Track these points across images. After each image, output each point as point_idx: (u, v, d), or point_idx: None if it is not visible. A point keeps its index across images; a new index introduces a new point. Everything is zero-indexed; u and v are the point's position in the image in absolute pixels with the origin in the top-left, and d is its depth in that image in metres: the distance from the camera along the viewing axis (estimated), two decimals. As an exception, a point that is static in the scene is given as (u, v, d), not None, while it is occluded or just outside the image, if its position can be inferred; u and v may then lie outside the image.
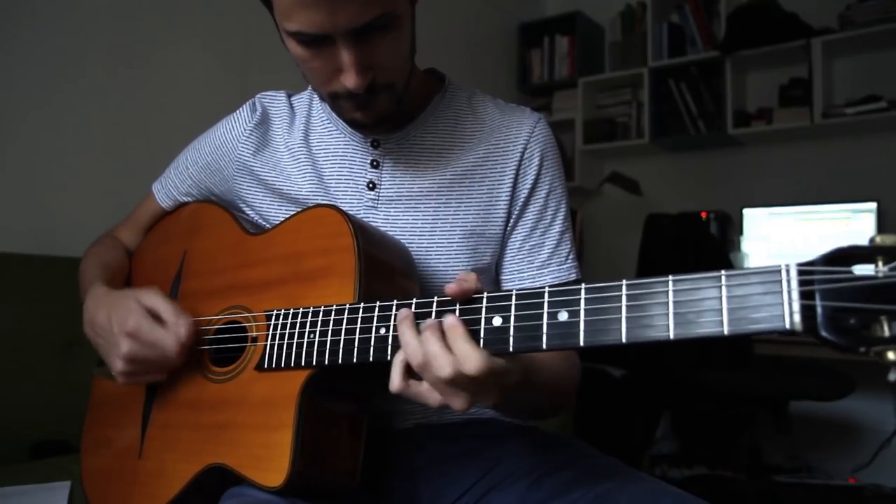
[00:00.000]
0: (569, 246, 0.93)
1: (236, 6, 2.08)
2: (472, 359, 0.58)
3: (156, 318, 0.81)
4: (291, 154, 0.93)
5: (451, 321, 0.60)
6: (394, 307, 0.67)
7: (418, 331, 0.62)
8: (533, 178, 0.91)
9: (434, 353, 0.60)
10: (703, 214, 2.98)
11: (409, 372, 0.64)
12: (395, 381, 0.64)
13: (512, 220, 0.91)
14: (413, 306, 0.65)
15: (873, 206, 2.62)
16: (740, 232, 2.88)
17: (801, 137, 2.97)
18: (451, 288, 0.62)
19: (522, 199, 0.91)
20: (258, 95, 0.98)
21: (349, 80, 0.75)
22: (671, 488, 0.74)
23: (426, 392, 0.63)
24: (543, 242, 0.91)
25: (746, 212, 2.86)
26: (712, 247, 2.68)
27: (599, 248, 3.38)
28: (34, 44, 1.72)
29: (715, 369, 2.26)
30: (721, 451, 2.85)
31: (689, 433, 2.98)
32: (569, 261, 0.92)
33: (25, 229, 1.68)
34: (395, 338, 0.66)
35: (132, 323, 0.80)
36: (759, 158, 3.11)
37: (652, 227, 2.54)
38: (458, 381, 0.59)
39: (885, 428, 2.65)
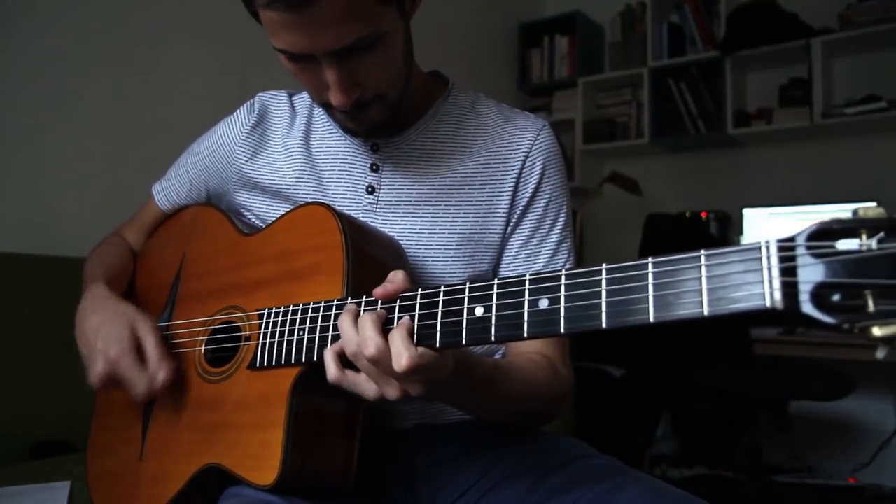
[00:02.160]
0: (566, 256, 0.92)
1: (237, 9, 2.07)
2: (403, 356, 0.59)
3: (141, 353, 0.81)
4: (289, 155, 0.92)
5: (405, 320, 0.62)
6: (378, 303, 0.66)
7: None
8: (534, 186, 0.90)
9: (364, 337, 0.61)
10: (703, 214, 2.98)
11: (345, 362, 0.66)
12: (331, 369, 0.66)
13: (510, 228, 0.91)
14: (398, 300, 0.65)
15: (873, 206, 2.61)
16: (740, 232, 2.89)
17: (801, 137, 2.97)
18: (376, 290, 0.65)
19: (522, 207, 0.90)
20: (259, 94, 0.98)
21: (334, 99, 0.76)
22: (671, 488, 0.74)
23: (363, 382, 0.65)
24: (540, 251, 0.91)
25: (746, 212, 2.86)
26: (712, 247, 2.67)
27: (599, 248, 3.38)
28: (35, 45, 1.72)
29: (715, 369, 2.26)
30: (721, 451, 2.85)
31: (689, 433, 2.98)
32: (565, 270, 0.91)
33: (25, 229, 1.68)
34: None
35: (114, 353, 0.80)
36: (759, 158, 3.11)
37: (652, 227, 2.54)
38: (386, 369, 0.61)
39: (885, 428, 2.65)
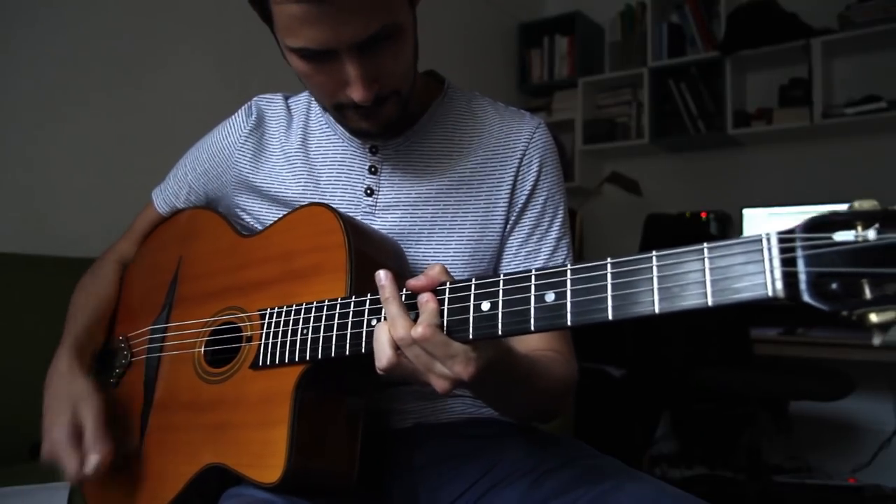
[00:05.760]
0: (565, 252, 0.93)
1: (236, 14, 2.08)
2: (419, 323, 0.60)
3: (79, 436, 0.82)
4: (287, 159, 0.92)
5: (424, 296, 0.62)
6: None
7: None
8: (531, 184, 0.91)
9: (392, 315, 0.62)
10: (703, 214, 2.98)
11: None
12: (385, 355, 0.63)
13: (509, 226, 0.91)
14: (403, 296, 0.65)
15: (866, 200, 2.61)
16: (740, 232, 2.88)
17: (801, 137, 2.97)
18: (411, 282, 0.64)
19: (520, 205, 0.91)
20: (255, 98, 0.98)
21: (356, 94, 0.75)
22: (671, 488, 0.74)
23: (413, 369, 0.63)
24: (540, 248, 0.91)
25: (746, 212, 2.86)
26: (713, 245, 2.68)
27: (599, 247, 3.38)
28: (36, 46, 1.72)
29: (715, 369, 2.26)
30: (721, 451, 2.85)
31: (689, 433, 2.98)
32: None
33: (25, 229, 1.68)
34: None
35: (55, 435, 0.82)
36: (759, 158, 3.11)
37: (652, 227, 2.54)
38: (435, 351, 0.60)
39: (885, 428, 2.65)
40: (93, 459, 0.81)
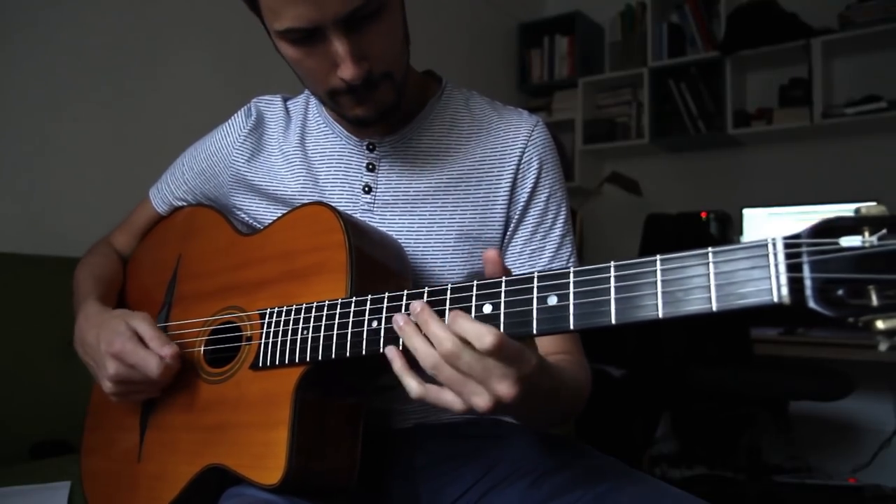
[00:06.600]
0: (570, 249, 0.93)
1: (236, 14, 2.08)
2: (484, 333, 0.55)
3: (142, 341, 0.81)
4: (286, 158, 0.93)
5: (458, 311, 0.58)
6: (385, 300, 0.67)
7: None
8: (532, 182, 0.91)
9: (434, 334, 0.58)
10: (703, 214, 2.98)
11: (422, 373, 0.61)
12: (412, 386, 0.61)
13: (512, 225, 0.91)
14: (405, 297, 0.65)
15: (874, 205, 2.61)
16: (740, 232, 2.88)
17: (801, 137, 2.97)
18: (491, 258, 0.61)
19: (522, 204, 0.91)
20: (254, 100, 0.98)
21: (346, 72, 0.74)
22: (671, 489, 0.74)
23: (447, 394, 0.60)
24: (544, 246, 0.91)
25: (746, 212, 2.86)
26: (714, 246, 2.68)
27: (600, 247, 3.38)
28: (36, 46, 1.72)
29: (715, 369, 2.26)
30: (721, 451, 2.85)
31: (689, 433, 2.98)
32: (570, 264, 0.92)
33: (25, 229, 1.68)
34: (388, 330, 0.65)
35: (118, 345, 0.80)
36: (759, 158, 3.11)
37: (652, 227, 2.54)
38: (467, 363, 0.57)
39: (885, 428, 2.65)
40: (167, 349, 0.79)
